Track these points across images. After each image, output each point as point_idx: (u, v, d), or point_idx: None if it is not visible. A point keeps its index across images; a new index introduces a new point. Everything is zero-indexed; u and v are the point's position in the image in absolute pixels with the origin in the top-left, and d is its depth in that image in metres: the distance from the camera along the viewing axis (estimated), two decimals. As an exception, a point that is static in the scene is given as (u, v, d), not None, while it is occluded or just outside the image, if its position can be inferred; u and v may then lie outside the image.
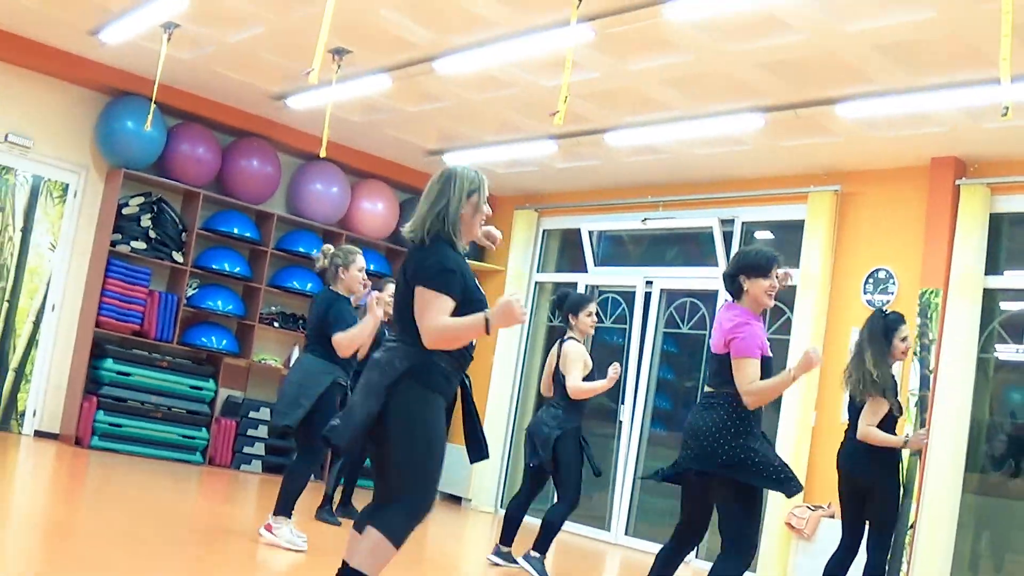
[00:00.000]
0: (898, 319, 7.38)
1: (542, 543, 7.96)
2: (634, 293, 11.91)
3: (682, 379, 11.94)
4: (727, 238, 11.14)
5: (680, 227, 11.67)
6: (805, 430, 9.94)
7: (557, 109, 7.22)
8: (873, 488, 7.28)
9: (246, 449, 12.01)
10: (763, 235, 11.15)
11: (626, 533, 11.53)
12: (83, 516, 7.44)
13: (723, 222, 11.17)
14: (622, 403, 11.77)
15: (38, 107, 11.30)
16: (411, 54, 9.27)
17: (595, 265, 12.52)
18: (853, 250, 10.09)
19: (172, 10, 9.07)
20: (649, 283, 11.87)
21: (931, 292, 9.29)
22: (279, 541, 7.04)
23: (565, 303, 8.21)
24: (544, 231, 13.22)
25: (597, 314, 8.37)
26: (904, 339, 7.32)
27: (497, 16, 8.21)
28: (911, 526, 9.03)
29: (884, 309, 8.13)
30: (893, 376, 7.29)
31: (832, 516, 9.52)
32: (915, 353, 9.22)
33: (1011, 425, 9.35)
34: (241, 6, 8.93)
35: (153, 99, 10.19)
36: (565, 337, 8.17)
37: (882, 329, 7.32)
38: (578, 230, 12.67)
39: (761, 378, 5.48)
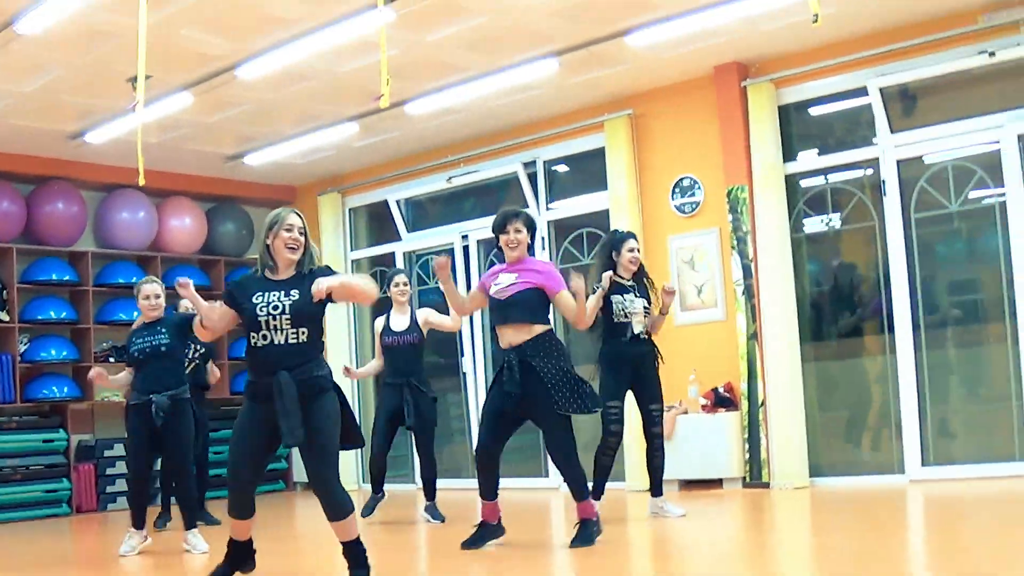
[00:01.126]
0: (623, 235, 8.40)
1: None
2: (452, 250, 12.36)
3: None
4: (532, 179, 11.69)
5: (486, 178, 12.17)
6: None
7: (381, 93, 7.47)
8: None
9: (108, 489, 12.04)
10: (564, 169, 11.73)
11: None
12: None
13: (526, 165, 11.71)
14: (462, 355, 12.28)
15: None
16: (213, 66, 9.47)
17: (408, 231, 12.92)
18: (655, 165, 10.78)
19: (-39, 71, 9.07)
20: (464, 237, 12.33)
21: (737, 188, 10.05)
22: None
23: (603, 246, 8.58)
24: (350, 210, 13.55)
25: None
26: (631, 250, 8.28)
27: (297, 14, 8.48)
28: (762, 404, 9.82)
29: (617, 229, 9.23)
30: (616, 284, 8.12)
31: (685, 412, 10.22)
32: (732, 246, 10.00)
33: (832, 289, 10.20)
34: (40, 52, 8.94)
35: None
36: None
37: (606, 244, 8.42)
38: (385, 202, 13.04)
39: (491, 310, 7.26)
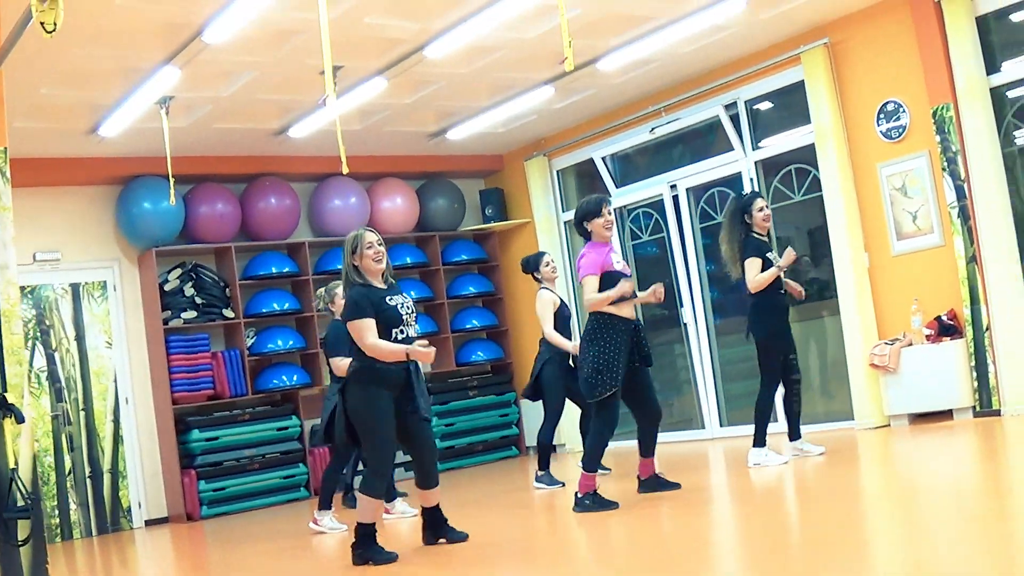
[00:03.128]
0: (751, 197, 8.76)
1: (543, 461, 9.63)
2: (662, 201, 12.28)
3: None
4: (735, 121, 11.51)
5: (688, 125, 12.02)
6: (862, 272, 10.38)
7: (565, 56, 7.48)
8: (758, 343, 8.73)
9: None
10: (767, 106, 11.50)
11: (721, 426, 11.98)
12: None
13: (727, 107, 11.53)
14: (681, 306, 12.21)
15: (56, 218, 11.67)
16: (401, 49, 9.61)
17: (616, 187, 12.88)
18: (857, 92, 10.46)
19: (166, 84, 9.40)
20: (673, 187, 12.22)
21: (942, 108, 9.67)
22: (323, 528, 8.79)
23: (733, 211, 8.88)
24: (558, 172, 13.58)
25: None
26: (761, 209, 8.63)
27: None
28: (987, 329, 9.47)
29: (742, 193, 9.90)
30: (760, 241, 8.65)
31: (910, 344, 9.96)
32: (943, 168, 9.65)
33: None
34: (229, 59, 9.28)
35: (169, 175, 10.34)
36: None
37: (736, 210, 8.75)
38: (591, 160, 13.03)
39: (610, 285, 7.49)
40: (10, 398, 6.62)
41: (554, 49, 9.76)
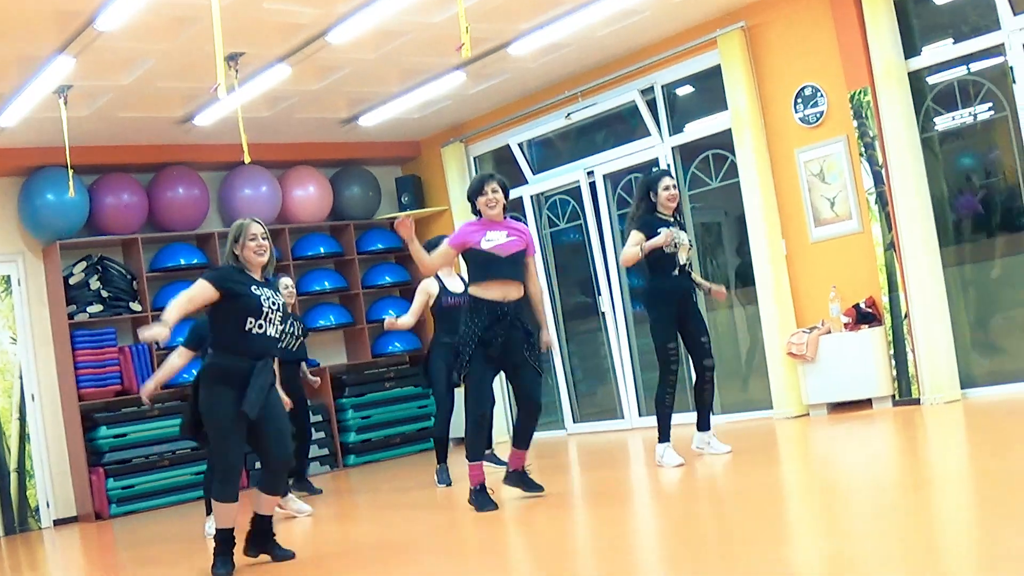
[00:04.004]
0: (658, 174, 8.46)
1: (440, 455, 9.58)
2: (579, 187, 12.07)
3: (648, 252, 12.21)
4: (652, 106, 11.30)
5: (605, 111, 11.80)
6: (779, 260, 10.23)
7: (461, 42, 7.29)
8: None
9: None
10: (685, 91, 11.32)
11: (640, 415, 11.77)
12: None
13: (643, 92, 11.32)
14: (599, 294, 12.01)
15: (-45, 212, 11.30)
16: (304, 35, 9.33)
17: (534, 174, 12.66)
18: (774, 77, 10.29)
19: (61, 73, 9.07)
20: (590, 173, 12.00)
21: (860, 92, 9.52)
22: (292, 512, 8.78)
23: (640, 187, 8.54)
24: (475, 158, 13.32)
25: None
26: (667, 188, 8.29)
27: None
28: (905, 316, 9.35)
29: (651, 170, 9.63)
30: (655, 219, 8.24)
31: (828, 332, 9.83)
32: (861, 154, 9.51)
33: (970, 189, 9.64)
34: (126, 46, 8.97)
35: (68, 165, 10.10)
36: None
37: (642, 185, 8.45)
38: (507, 146, 12.80)
39: (475, 264, 7.53)
40: None
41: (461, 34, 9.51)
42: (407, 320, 9.35)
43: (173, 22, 8.67)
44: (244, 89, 9.98)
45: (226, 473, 6.48)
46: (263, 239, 6.60)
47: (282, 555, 6.71)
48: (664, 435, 8.25)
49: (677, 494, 7.44)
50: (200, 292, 6.44)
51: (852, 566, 4.40)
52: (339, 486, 11.21)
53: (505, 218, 7.70)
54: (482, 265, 7.49)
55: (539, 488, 7.73)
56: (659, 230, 8.10)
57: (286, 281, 9.51)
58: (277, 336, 6.64)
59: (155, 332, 6.11)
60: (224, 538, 6.51)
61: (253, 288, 6.47)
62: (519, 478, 7.76)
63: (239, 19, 8.56)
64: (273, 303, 6.52)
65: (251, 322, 6.40)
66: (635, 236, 8.18)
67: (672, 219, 8.31)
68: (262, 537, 6.72)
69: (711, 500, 7.15)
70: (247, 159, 9.48)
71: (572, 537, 6.41)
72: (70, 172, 10.05)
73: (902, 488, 6.24)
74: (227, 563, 6.49)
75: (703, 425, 8.43)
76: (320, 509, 9.23)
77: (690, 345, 8.30)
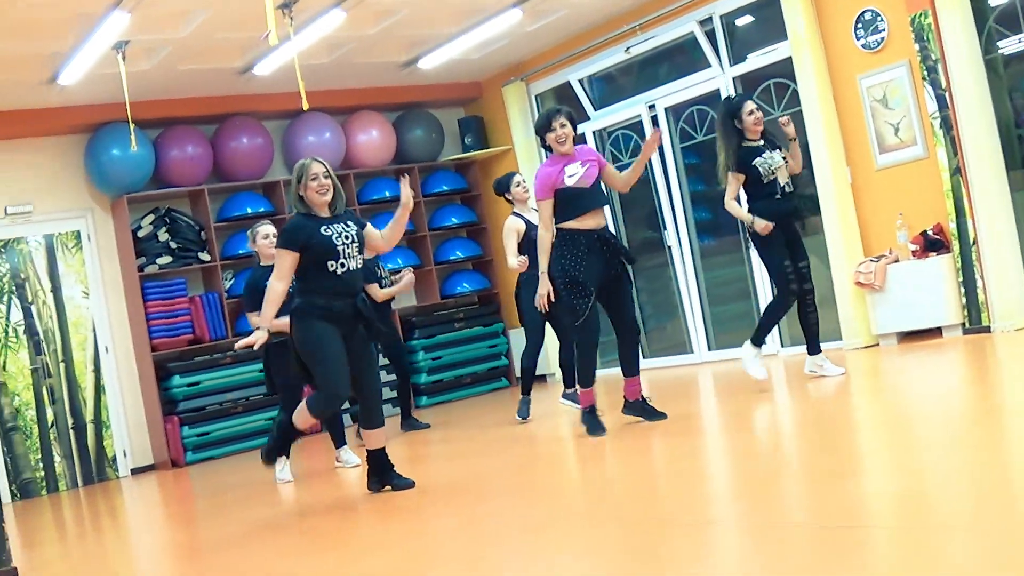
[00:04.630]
0: (740, 99, 8.39)
1: (525, 386, 9.55)
2: (641, 121, 11.97)
3: (713, 186, 12.05)
4: (711, 37, 11.16)
5: (664, 43, 11.67)
6: (844, 188, 10.09)
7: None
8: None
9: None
10: (744, 21, 11.16)
11: (709, 349, 11.76)
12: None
13: (702, 23, 11.17)
14: (664, 229, 11.95)
15: (25, 171, 11.49)
16: (355, -19, 9.32)
17: (595, 110, 12.57)
18: (832, 3, 10.10)
19: (117, 29, 9.13)
20: (651, 107, 11.90)
21: (920, 15, 9.32)
22: (346, 464, 8.75)
23: (723, 117, 8.43)
24: (536, 97, 13.25)
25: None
26: (751, 112, 8.19)
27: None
28: (974, 243, 9.20)
29: (730, 96, 9.55)
30: (750, 149, 8.20)
31: (896, 260, 9.70)
32: (923, 78, 9.34)
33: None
34: (179, 1, 9.01)
35: (129, 120, 10.24)
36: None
37: (725, 115, 8.31)
38: (568, 83, 12.71)
39: (565, 200, 7.44)
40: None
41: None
42: (513, 263, 9.23)
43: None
44: (301, 36, 10.00)
45: (334, 390, 6.59)
46: (324, 178, 6.58)
47: (402, 484, 6.86)
48: (757, 339, 8.37)
49: (747, 426, 7.39)
50: (286, 263, 6.54)
51: (924, 501, 4.36)
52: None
53: (576, 148, 7.65)
54: (572, 200, 7.46)
55: (661, 415, 7.70)
56: (754, 163, 8.13)
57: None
58: (359, 267, 6.64)
59: (255, 337, 6.55)
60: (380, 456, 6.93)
61: (323, 230, 6.49)
62: (638, 407, 7.77)
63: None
64: (347, 237, 6.53)
65: (332, 264, 6.46)
66: (734, 182, 8.23)
67: (761, 142, 8.25)
68: (380, 470, 6.89)
69: (780, 433, 7.11)
70: (305, 106, 9.55)
71: (640, 473, 6.37)
72: (131, 127, 10.15)
73: (974, 418, 6.15)
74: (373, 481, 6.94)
75: (813, 349, 8.41)
76: (396, 450, 9.29)
77: (793, 268, 8.24)
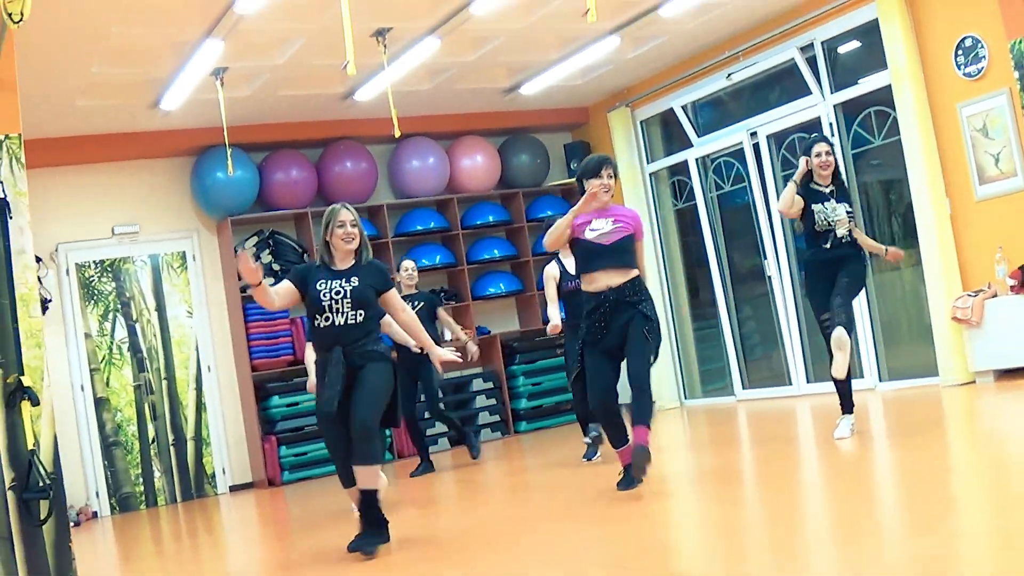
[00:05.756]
0: (812, 141, 8.23)
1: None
2: (743, 149, 11.86)
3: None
4: (812, 63, 11.01)
5: (764, 69, 11.56)
6: (944, 220, 9.86)
7: (587, 7, 7.27)
8: None
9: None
10: (847, 48, 10.98)
11: (807, 382, 11.54)
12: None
13: (802, 50, 11.03)
14: (765, 259, 11.80)
15: (132, 192, 11.83)
16: (447, 8, 9.39)
17: (698, 136, 12.49)
18: (933, 30, 9.90)
19: (212, 56, 9.35)
20: (753, 134, 11.78)
21: (1020, 41, 9.07)
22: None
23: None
24: (641, 123, 13.21)
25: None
26: (818, 155, 8.04)
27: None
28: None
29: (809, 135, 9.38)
30: (814, 192, 8.05)
31: (995, 295, 9.45)
32: (1023, 107, 9.09)
33: None
34: (273, 27, 9.21)
35: (226, 144, 10.48)
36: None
37: (803, 151, 8.20)
38: (671, 109, 12.65)
39: (579, 254, 7.23)
40: (27, 381, 6.61)
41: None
42: (553, 312, 9.18)
43: (315, 2, 8.80)
44: (397, 64, 10.12)
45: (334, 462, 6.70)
46: (351, 226, 6.55)
47: (361, 545, 6.44)
48: (843, 406, 8.03)
49: (837, 468, 7.17)
50: (281, 289, 6.64)
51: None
52: (499, 453, 11.35)
53: (613, 205, 7.29)
54: (584, 256, 7.19)
55: (633, 485, 7.11)
56: (813, 207, 7.99)
57: (407, 264, 10.20)
58: (353, 323, 6.44)
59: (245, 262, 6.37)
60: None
61: (318, 284, 6.47)
62: (625, 480, 7.20)
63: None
64: (338, 292, 6.42)
65: (317, 318, 6.48)
66: (789, 189, 8.12)
67: (828, 190, 8.05)
68: (365, 516, 6.51)
69: (869, 478, 6.80)
70: (397, 133, 9.67)
71: (700, 523, 6.29)
72: (228, 151, 10.36)
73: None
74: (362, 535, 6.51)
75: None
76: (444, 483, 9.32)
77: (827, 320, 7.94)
